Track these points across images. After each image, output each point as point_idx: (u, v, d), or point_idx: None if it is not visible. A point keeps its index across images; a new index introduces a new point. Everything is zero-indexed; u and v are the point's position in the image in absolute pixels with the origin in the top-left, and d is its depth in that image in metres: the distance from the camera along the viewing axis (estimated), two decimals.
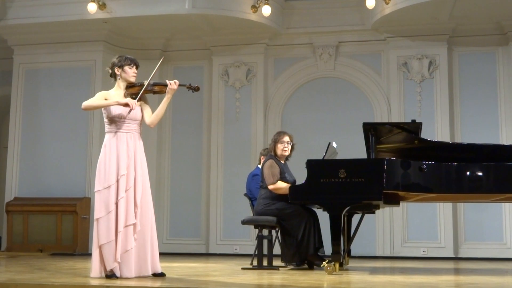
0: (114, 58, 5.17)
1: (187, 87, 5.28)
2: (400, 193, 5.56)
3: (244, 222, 6.45)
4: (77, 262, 7.14)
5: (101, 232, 4.79)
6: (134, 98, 5.02)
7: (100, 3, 9.56)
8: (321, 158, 5.91)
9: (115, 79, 5.12)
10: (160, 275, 4.96)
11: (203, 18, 9.87)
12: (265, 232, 6.36)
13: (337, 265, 5.42)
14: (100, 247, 4.78)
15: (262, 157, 7.20)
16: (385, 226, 9.71)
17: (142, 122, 5.10)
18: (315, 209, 6.32)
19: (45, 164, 10.28)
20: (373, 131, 5.75)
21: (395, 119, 9.77)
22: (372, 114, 10.01)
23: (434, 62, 9.88)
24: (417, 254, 9.43)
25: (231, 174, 10.16)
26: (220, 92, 10.49)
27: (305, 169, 5.65)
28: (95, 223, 4.85)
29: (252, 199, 7.13)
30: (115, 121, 4.96)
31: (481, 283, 4.77)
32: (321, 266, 5.64)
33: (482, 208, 9.33)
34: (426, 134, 6.46)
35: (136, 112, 5.02)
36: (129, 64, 5.07)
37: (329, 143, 6.20)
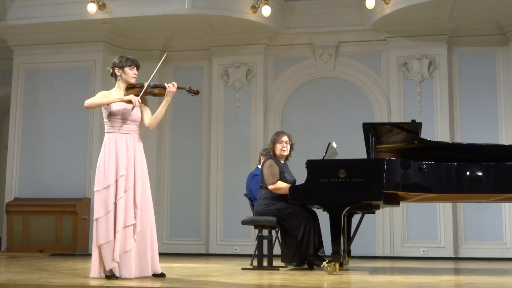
0: (115, 58, 5.16)
1: (187, 90, 5.25)
2: (400, 193, 5.56)
3: (244, 222, 6.45)
4: (77, 263, 7.14)
5: (100, 232, 4.79)
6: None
7: (100, 3, 9.56)
8: (321, 158, 5.91)
9: (116, 79, 5.11)
10: (160, 276, 4.96)
11: (203, 18, 9.87)
12: (265, 232, 6.36)
13: (337, 265, 5.42)
14: (99, 247, 4.79)
15: (262, 157, 7.20)
16: (385, 226, 9.71)
17: (141, 124, 5.10)
18: (315, 209, 6.32)
19: (45, 164, 10.29)
20: (373, 131, 5.75)
21: (395, 119, 9.78)
22: (372, 114, 10.01)
23: (434, 62, 9.88)
24: (417, 254, 9.43)
25: (231, 174, 10.16)
26: (220, 92, 10.49)
27: (305, 169, 5.65)
28: (94, 223, 4.86)
29: (252, 199, 7.13)
30: (115, 121, 4.96)
31: (481, 283, 4.77)
32: (321, 266, 5.64)
33: (482, 208, 9.33)
34: (426, 134, 6.46)
35: (136, 113, 5.02)
36: (130, 65, 5.06)
37: (329, 143, 6.20)
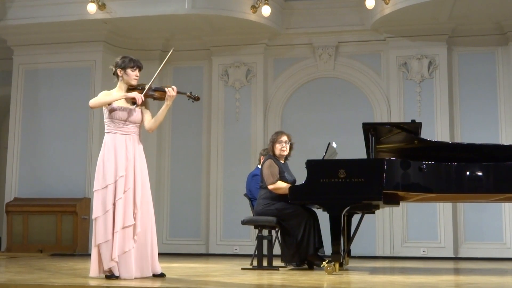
0: (118, 58, 5.13)
1: (187, 96, 5.23)
2: (400, 193, 5.57)
3: (244, 223, 6.45)
4: (77, 263, 7.15)
5: (98, 232, 4.80)
6: (135, 103, 5.01)
7: (100, 3, 9.56)
8: (321, 158, 5.92)
9: (118, 79, 5.11)
10: (160, 276, 4.97)
11: (203, 18, 9.87)
12: (265, 232, 6.36)
13: (337, 265, 5.42)
14: (98, 246, 4.80)
15: (261, 157, 7.20)
16: (385, 226, 9.71)
17: (142, 126, 5.10)
18: (315, 209, 6.32)
19: (45, 164, 10.28)
20: (373, 131, 5.75)
21: (395, 119, 9.78)
22: (371, 114, 10.01)
23: (433, 62, 9.88)
24: (417, 254, 9.43)
25: (231, 174, 10.16)
26: (220, 92, 10.49)
27: (305, 169, 5.65)
28: (94, 222, 4.87)
29: (252, 199, 7.13)
30: (115, 122, 4.96)
31: (481, 283, 4.77)
32: (321, 266, 5.64)
33: (482, 208, 9.33)
34: (426, 134, 6.46)
35: (137, 115, 5.02)
36: (132, 67, 5.04)
37: (329, 143, 6.20)
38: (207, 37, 10.52)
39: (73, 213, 9.70)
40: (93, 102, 4.98)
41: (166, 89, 5.06)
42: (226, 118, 10.41)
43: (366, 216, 6.19)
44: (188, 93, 5.23)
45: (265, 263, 6.18)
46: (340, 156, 6.45)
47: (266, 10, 9.64)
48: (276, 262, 6.34)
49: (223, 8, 9.64)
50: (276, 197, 6.19)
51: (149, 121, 5.09)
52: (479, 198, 6.04)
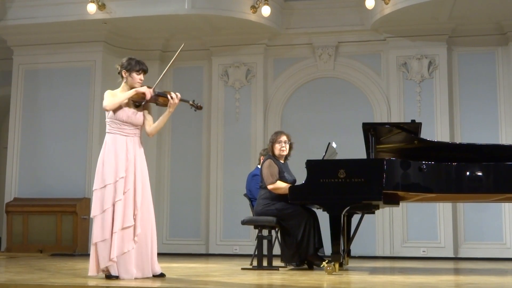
0: (124, 59, 5.10)
1: (190, 104, 5.22)
2: (400, 193, 5.57)
3: (244, 223, 6.45)
4: (77, 263, 7.15)
5: (95, 231, 4.82)
6: (138, 106, 5.01)
7: (100, 3, 9.56)
8: (320, 158, 5.92)
9: (122, 79, 5.09)
10: (160, 276, 4.97)
11: (203, 19, 9.87)
12: (265, 232, 6.36)
13: (337, 265, 5.42)
14: (95, 245, 4.80)
15: (261, 157, 7.20)
16: (385, 226, 9.71)
17: (143, 128, 5.10)
18: (315, 209, 6.32)
19: (45, 165, 10.28)
20: (372, 131, 5.75)
21: (395, 119, 9.78)
22: (371, 114, 10.01)
23: (433, 62, 9.89)
24: (417, 254, 9.43)
25: (231, 174, 10.16)
26: (219, 92, 10.49)
27: (305, 169, 5.65)
28: (92, 221, 4.88)
29: (252, 199, 7.13)
30: (117, 122, 4.96)
31: (481, 283, 4.77)
32: (321, 266, 5.64)
33: (482, 208, 9.33)
34: (426, 134, 6.46)
35: (139, 117, 5.03)
36: (138, 71, 5.03)
37: (329, 143, 6.20)
38: (207, 37, 10.52)
39: (73, 213, 9.70)
40: (109, 104, 4.91)
41: (169, 96, 5.06)
42: (226, 118, 10.41)
43: (366, 216, 6.19)
44: (191, 102, 5.22)
45: (265, 263, 6.18)
46: (340, 156, 6.45)
47: (266, 10, 9.64)
48: (276, 262, 6.34)
49: (223, 8, 9.64)
50: (276, 197, 6.19)
51: (150, 125, 5.10)
52: (479, 198, 6.04)
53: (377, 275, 5.71)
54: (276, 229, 6.66)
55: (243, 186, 7.59)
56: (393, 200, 5.65)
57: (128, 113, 4.97)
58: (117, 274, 4.74)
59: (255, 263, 6.47)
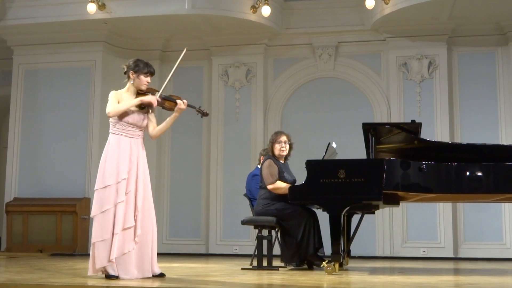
0: (131, 60, 5.09)
1: (197, 110, 5.25)
2: (400, 193, 5.56)
3: (244, 223, 6.45)
4: (77, 263, 7.15)
5: (94, 230, 4.83)
6: (143, 108, 5.01)
7: (100, 3, 9.56)
8: (320, 158, 5.91)
9: (127, 79, 5.08)
10: (160, 276, 4.97)
11: (203, 19, 9.87)
12: (265, 232, 6.36)
13: (336, 265, 5.42)
14: (93, 245, 4.80)
15: (261, 157, 7.20)
16: (385, 227, 9.71)
17: (145, 130, 5.11)
18: (315, 209, 6.32)
19: (45, 164, 10.28)
20: (372, 131, 5.75)
21: (395, 119, 9.78)
22: (371, 114, 10.01)
23: (433, 62, 9.89)
24: (416, 254, 9.43)
25: (231, 174, 10.16)
26: (219, 92, 10.49)
27: (305, 169, 5.65)
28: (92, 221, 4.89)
29: (251, 199, 7.13)
30: (121, 123, 4.97)
31: (480, 283, 4.77)
32: (321, 266, 5.64)
33: (482, 208, 9.33)
34: (426, 134, 6.46)
35: (143, 120, 5.03)
36: (146, 73, 5.03)
37: (329, 143, 6.20)
38: (207, 37, 10.52)
39: (73, 213, 9.70)
40: (112, 111, 4.90)
41: (177, 101, 5.07)
42: (226, 118, 10.40)
43: (366, 216, 6.19)
44: (197, 108, 5.26)
45: (265, 263, 6.18)
46: (340, 156, 6.45)
47: (266, 10, 9.64)
48: (276, 262, 6.34)
49: (223, 8, 9.65)
50: (276, 197, 6.18)
51: (155, 127, 5.12)
52: (479, 198, 6.04)
53: (377, 275, 5.71)
54: (276, 229, 6.66)
55: (243, 186, 7.59)
56: (393, 200, 5.65)
57: (134, 115, 4.98)
58: (116, 274, 4.74)
59: (255, 263, 6.47)
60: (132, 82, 5.04)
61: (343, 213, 5.54)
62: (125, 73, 5.09)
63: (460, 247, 9.57)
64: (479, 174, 5.45)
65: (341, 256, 5.60)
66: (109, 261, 4.73)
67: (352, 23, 10.23)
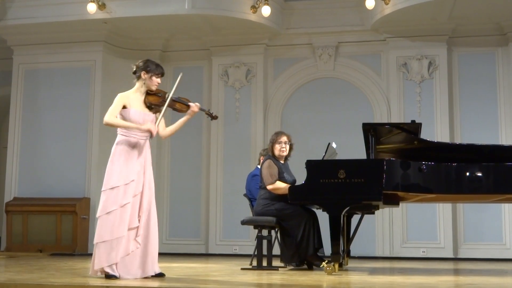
0: (141, 61, 5.09)
1: (206, 113, 5.31)
2: (400, 193, 5.56)
3: (244, 223, 6.45)
4: (77, 262, 7.15)
5: (97, 231, 4.83)
6: (152, 108, 5.02)
7: (100, 3, 9.56)
8: (320, 158, 5.91)
9: (137, 79, 5.07)
10: (160, 275, 4.97)
11: (203, 19, 9.87)
12: (265, 232, 6.36)
13: (336, 266, 5.42)
14: (95, 245, 4.81)
15: (261, 158, 7.20)
16: (385, 227, 9.71)
17: None
18: (314, 209, 6.32)
19: (44, 164, 10.28)
20: (372, 132, 5.75)
21: (395, 119, 9.78)
22: (371, 115, 10.02)
23: (433, 63, 9.89)
24: (416, 255, 9.43)
25: (231, 174, 10.16)
26: (219, 92, 10.49)
27: (305, 169, 5.65)
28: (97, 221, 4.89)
29: (251, 199, 7.13)
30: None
31: (480, 283, 4.77)
32: (321, 266, 5.64)
33: (482, 209, 9.33)
34: (426, 134, 6.46)
35: (152, 121, 5.03)
36: (157, 74, 5.04)
37: (329, 144, 6.20)
38: (207, 37, 10.52)
39: (73, 213, 9.70)
40: (109, 122, 4.90)
41: (189, 104, 5.10)
42: (226, 118, 10.40)
43: (366, 216, 6.18)
44: (207, 110, 5.31)
45: (264, 263, 6.18)
46: (340, 156, 6.45)
47: (266, 10, 9.64)
48: (276, 262, 6.34)
49: (223, 8, 9.65)
50: (276, 197, 6.18)
51: (164, 128, 5.14)
52: (479, 198, 6.04)
53: (377, 275, 5.71)
54: (276, 229, 6.66)
55: (243, 186, 7.59)
56: (393, 201, 5.65)
57: (144, 116, 4.98)
58: (116, 274, 4.73)
59: (254, 263, 6.47)
60: (143, 82, 5.03)
61: (343, 213, 5.54)
62: (134, 73, 5.09)
63: (460, 247, 9.57)
64: (479, 174, 5.45)
65: (341, 256, 5.60)
66: (111, 263, 4.72)
67: (352, 23, 10.23)
